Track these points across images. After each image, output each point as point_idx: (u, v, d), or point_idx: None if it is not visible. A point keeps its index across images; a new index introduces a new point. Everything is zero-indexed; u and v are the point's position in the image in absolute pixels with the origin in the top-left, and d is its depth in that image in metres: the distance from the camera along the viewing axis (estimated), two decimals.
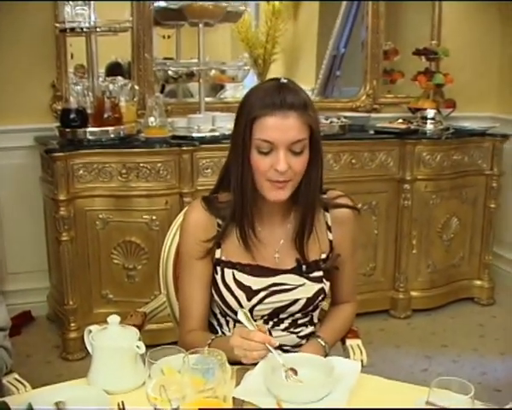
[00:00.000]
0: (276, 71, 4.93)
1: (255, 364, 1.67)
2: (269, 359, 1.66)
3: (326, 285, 1.98)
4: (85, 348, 1.74)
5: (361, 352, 2.02)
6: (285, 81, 1.84)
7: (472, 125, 4.77)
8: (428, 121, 4.65)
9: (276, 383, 1.55)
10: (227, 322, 2.01)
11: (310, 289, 1.94)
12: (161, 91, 4.49)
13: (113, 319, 1.69)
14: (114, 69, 4.58)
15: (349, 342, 2.07)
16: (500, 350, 4.10)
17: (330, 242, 2.00)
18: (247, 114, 1.81)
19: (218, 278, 1.94)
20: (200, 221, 1.95)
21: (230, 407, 1.36)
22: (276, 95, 1.77)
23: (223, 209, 1.94)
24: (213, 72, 4.18)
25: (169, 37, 5.28)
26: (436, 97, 4.88)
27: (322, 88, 5.52)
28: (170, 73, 4.13)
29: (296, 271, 1.94)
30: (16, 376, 1.84)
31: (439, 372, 3.68)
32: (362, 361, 1.94)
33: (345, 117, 4.60)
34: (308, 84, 5.46)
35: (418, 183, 4.49)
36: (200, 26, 4.17)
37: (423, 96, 4.89)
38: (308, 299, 1.94)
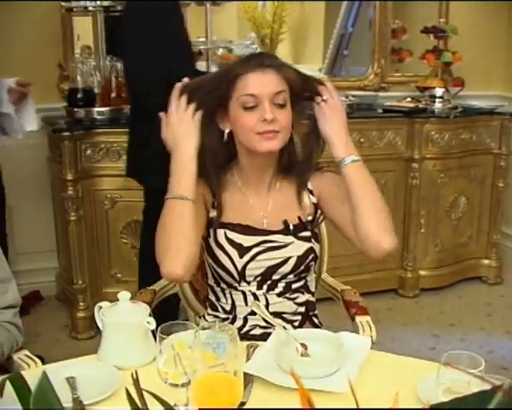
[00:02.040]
0: (283, 50, 4.91)
1: (265, 339, 1.69)
2: (279, 334, 1.67)
3: (315, 246, 2.03)
4: (94, 327, 1.75)
5: (370, 328, 2.03)
6: (261, 51, 1.97)
7: (480, 104, 4.75)
8: (437, 100, 4.63)
9: (287, 359, 1.56)
10: (223, 293, 2.05)
11: (299, 247, 2.00)
12: None
13: (124, 296, 1.70)
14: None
15: (358, 318, 2.08)
16: (507, 329, 4.11)
17: (314, 205, 2.06)
18: (226, 75, 1.92)
19: (211, 240, 2.00)
20: None
21: (241, 381, 1.36)
22: (254, 58, 1.95)
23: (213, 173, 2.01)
24: (221, 51, 4.16)
25: None
26: (444, 76, 4.85)
27: (329, 67, 5.49)
28: None
29: (284, 231, 2.01)
30: (27, 352, 1.85)
31: (447, 351, 3.68)
32: (371, 338, 1.94)
33: (353, 96, 4.59)
34: (316, 64, 5.44)
35: (426, 162, 4.48)
36: (208, 5, 4.16)
37: (431, 74, 4.86)
38: (298, 257, 1.99)
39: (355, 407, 0.71)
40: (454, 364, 1.27)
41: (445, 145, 4.49)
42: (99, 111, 3.92)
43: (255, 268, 1.98)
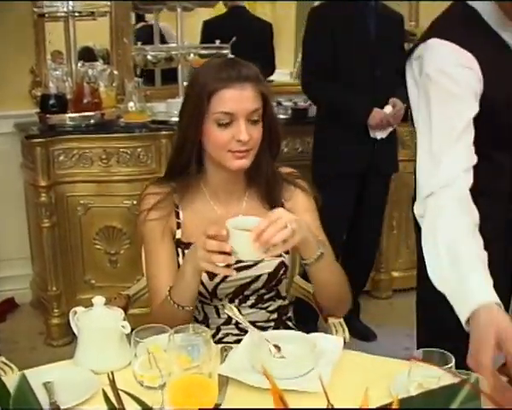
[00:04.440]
0: None
1: (238, 341, 1.72)
2: (252, 336, 1.69)
3: (286, 258, 2.00)
4: (70, 333, 1.76)
5: (343, 330, 2.05)
6: (232, 57, 1.91)
7: None
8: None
9: (260, 360, 1.58)
10: (196, 306, 2.00)
11: (270, 263, 1.96)
12: (140, 76, 4.49)
13: (98, 301, 1.71)
14: (85, 55, 4.57)
15: (331, 320, 2.10)
16: None
17: None
18: (201, 90, 1.86)
19: (180, 260, 1.96)
20: (155, 202, 1.98)
21: (216, 383, 1.39)
22: (230, 68, 1.86)
23: (178, 187, 1.99)
24: (192, 56, 4.17)
25: (146, 22, 5.29)
26: None
27: (300, 71, 5.52)
28: (149, 57, 4.13)
29: None
30: (3, 359, 1.85)
31: None
32: (344, 338, 1.97)
33: None
34: (287, 68, 5.48)
35: (399, 163, 4.51)
36: (179, 10, 4.17)
37: None
38: (270, 274, 1.97)
39: (328, 406, 0.73)
40: (425, 361, 1.30)
41: (416, 148, 4.51)
42: (71, 117, 3.92)
43: (226, 288, 1.97)
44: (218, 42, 4.17)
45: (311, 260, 1.83)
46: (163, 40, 4.90)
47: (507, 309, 1.68)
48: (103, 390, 0.93)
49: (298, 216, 1.87)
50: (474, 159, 1.74)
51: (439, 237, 1.64)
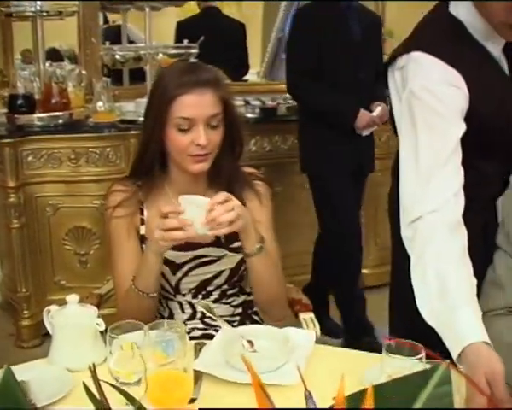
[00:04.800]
0: None
1: (211, 337, 1.76)
2: (225, 332, 1.71)
3: None
4: (40, 335, 1.76)
5: (314, 325, 2.08)
6: (196, 61, 1.94)
7: None
8: None
9: (233, 355, 1.60)
10: (160, 302, 2.06)
11: (232, 259, 2.02)
12: (108, 76, 4.48)
13: (72, 298, 1.72)
14: (52, 55, 4.56)
15: (302, 315, 2.13)
16: None
17: None
18: (162, 94, 1.90)
19: None
20: (121, 199, 2.02)
21: (192, 377, 1.40)
22: (190, 73, 1.90)
23: (143, 186, 2.03)
24: (161, 55, 4.18)
25: (113, 22, 5.28)
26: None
27: (267, 71, 5.56)
28: (117, 57, 4.12)
29: (216, 243, 2.02)
30: None
31: None
32: (315, 333, 2.00)
33: (290, 99, 4.65)
34: (254, 68, 5.51)
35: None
36: (147, 9, 4.17)
37: None
38: (232, 270, 2.02)
39: (306, 393, 0.75)
40: (396, 352, 1.33)
41: (384, 145, 4.57)
42: (40, 117, 3.89)
43: (189, 283, 2.02)
44: (186, 41, 4.18)
45: (251, 250, 1.89)
46: (129, 41, 4.90)
47: None
48: (84, 383, 0.94)
49: (258, 216, 2.00)
50: (463, 179, 1.71)
51: (427, 265, 1.60)
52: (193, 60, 2.02)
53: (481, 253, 1.86)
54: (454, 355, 1.45)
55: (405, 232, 1.72)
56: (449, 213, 1.66)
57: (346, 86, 3.70)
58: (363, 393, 0.75)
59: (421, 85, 1.75)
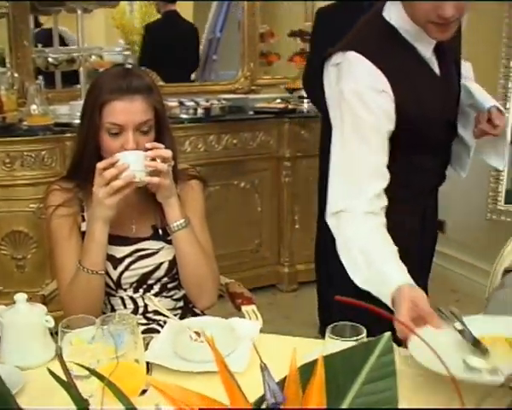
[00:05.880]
0: None
1: (154, 332, 1.83)
2: (172, 324, 1.76)
3: None
4: None
5: (257, 316, 2.14)
6: (130, 67, 2.01)
7: None
8: (305, 100, 4.78)
9: (181, 345, 1.65)
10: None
11: (170, 251, 2.08)
12: (40, 78, 4.46)
13: (20, 297, 1.74)
14: None
15: (244, 308, 2.19)
16: None
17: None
18: (95, 99, 1.96)
19: None
20: (62, 199, 2.06)
21: (144, 368, 1.44)
22: (122, 80, 1.95)
23: (82, 185, 2.06)
24: (93, 58, 4.19)
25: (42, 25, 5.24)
26: None
27: (199, 72, 5.60)
28: (50, 60, 4.12)
29: (154, 237, 2.09)
30: None
31: None
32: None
33: (224, 99, 4.72)
34: None
35: (298, 160, 4.66)
36: (79, 11, 4.18)
37: (299, 76, 5.04)
38: (170, 262, 2.08)
39: (261, 365, 0.81)
40: (338, 335, 1.40)
41: (315, 143, 4.65)
42: None
43: (130, 277, 2.07)
44: (122, 42, 4.20)
45: (175, 226, 2.00)
46: (63, 43, 4.89)
47: None
48: (48, 368, 0.98)
49: (191, 209, 2.09)
50: (387, 179, 1.89)
51: (351, 246, 1.82)
52: (128, 65, 2.05)
53: (419, 235, 2.09)
54: (389, 302, 1.65)
55: (330, 220, 1.90)
56: (368, 208, 1.84)
57: None
58: (314, 363, 0.81)
59: (351, 89, 1.86)
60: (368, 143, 1.87)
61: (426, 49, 1.96)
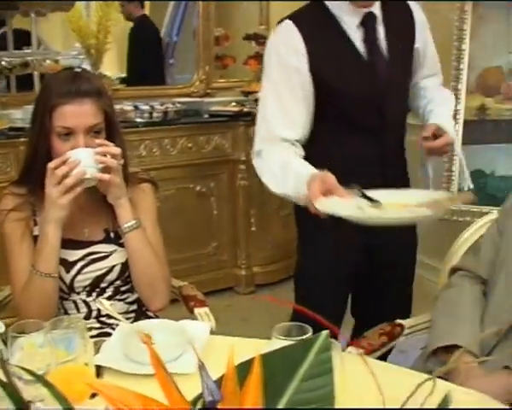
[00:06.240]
0: (109, 61, 4.95)
1: (108, 336, 1.83)
2: (123, 327, 1.78)
3: None
4: None
5: (209, 318, 2.16)
6: (79, 70, 2.03)
7: None
8: None
9: (132, 348, 1.66)
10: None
11: (122, 254, 2.10)
12: None
13: None
14: None
15: (197, 310, 2.20)
16: None
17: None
18: (45, 102, 1.97)
19: None
20: (14, 204, 2.07)
21: (93, 371, 1.46)
22: (71, 84, 1.96)
23: (34, 190, 2.06)
24: (48, 61, 4.16)
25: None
26: None
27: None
28: (3, 63, 4.08)
29: (106, 240, 2.11)
30: None
31: None
32: (211, 327, 2.08)
33: (179, 103, 4.73)
34: None
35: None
36: (32, 15, 4.15)
37: (254, 79, 5.07)
38: (122, 264, 2.10)
39: (199, 363, 0.83)
40: (284, 334, 1.42)
41: None
42: None
43: (82, 280, 2.08)
44: (78, 45, 4.18)
45: (126, 227, 2.03)
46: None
47: None
48: None
49: (143, 212, 2.12)
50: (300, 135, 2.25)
51: (272, 166, 2.16)
52: (78, 68, 2.07)
53: None
54: (303, 195, 1.97)
55: (255, 162, 2.26)
56: (283, 152, 2.18)
57: None
58: (251, 361, 0.83)
59: (271, 41, 2.28)
60: (277, 93, 2.22)
61: (351, 22, 2.22)
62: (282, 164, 2.12)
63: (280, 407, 0.85)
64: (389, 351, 2.21)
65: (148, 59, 5.41)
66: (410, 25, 2.36)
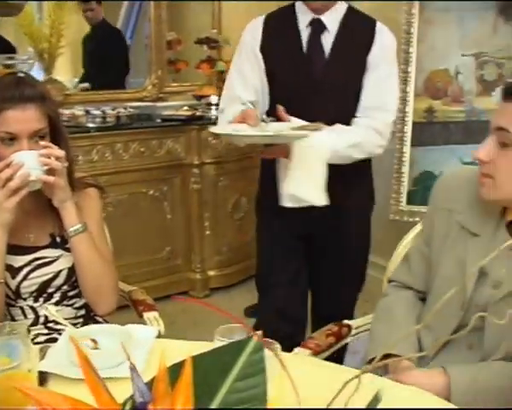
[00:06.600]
0: (62, 65, 4.92)
1: (49, 340, 1.86)
2: (69, 333, 1.77)
3: None
4: None
5: (158, 323, 2.16)
6: (22, 75, 2.02)
7: None
8: (213, 107, 4.84)
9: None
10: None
11: (69, 259, 2.10)
12: None
13: None
14: None
15: (146, 314, 2.20)
16: None
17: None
18: None
19: None
20: None
21: (35, 377, 1.45)
22: (15, 88, 1.95)
23: None
24: None
25: None
26: (219, 84, 5.07)
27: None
28: None
29: (52, 245, 2.10)
30: None
31: None
32: (159, 331, 2.07)
33: (131, 107, 4.71)
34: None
35: (206, 167, 4.69)
36: None
37: (207, 83, 5.09)
38: (69, 269, 2.10)
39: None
40: (226, 336, 1.43)
41: (223, 150, 4.70)
42: None
43: (29, 286, 2.07)
44: (31, 50, 4.13)
45: (72, 231, 2.03)
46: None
47: None
48: None
49: (89, 217, 2.12)
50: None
51: (228, 115, 2.52)
52: (20, 74, 2.06)
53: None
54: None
55: (218, 117, 2.76)
56: (240, 108, 2.51)
57: None
58: (182, 363, 0.84)
59: (245, 30, 2.72)
60: (238, 64, 2.67)
61: (303, 20, 2.58)
62: (234, 114, 2.45)
63: (213, 406, 0.85)
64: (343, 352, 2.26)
65: (112, 63, 5.38)
66: (367, 42, 2.53)
